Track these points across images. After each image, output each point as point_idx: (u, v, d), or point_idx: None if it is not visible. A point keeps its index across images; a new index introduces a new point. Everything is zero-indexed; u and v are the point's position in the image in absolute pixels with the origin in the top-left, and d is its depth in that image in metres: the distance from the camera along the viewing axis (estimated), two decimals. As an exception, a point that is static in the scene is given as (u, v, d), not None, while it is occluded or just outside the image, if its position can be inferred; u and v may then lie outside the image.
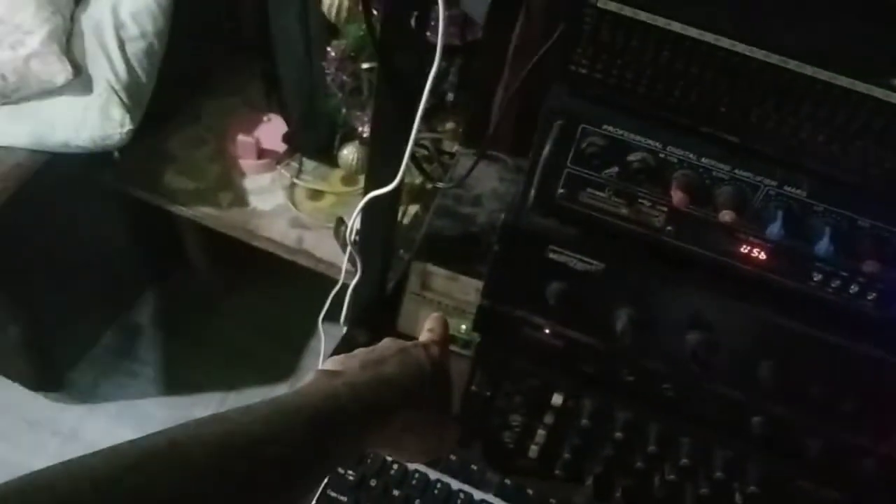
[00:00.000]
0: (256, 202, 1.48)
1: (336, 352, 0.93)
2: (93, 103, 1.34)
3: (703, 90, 0.52)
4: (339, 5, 1.22)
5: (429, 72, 0.66)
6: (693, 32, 0.49)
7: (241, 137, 1.50)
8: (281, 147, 1.53)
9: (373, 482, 0.77)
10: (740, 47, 0.49)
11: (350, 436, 0.50)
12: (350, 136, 1.45)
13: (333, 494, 0.76)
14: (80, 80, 1.34)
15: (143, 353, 1.78)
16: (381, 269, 0.95)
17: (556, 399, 0.73)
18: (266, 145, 1.53)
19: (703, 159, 0.54)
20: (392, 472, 0.78)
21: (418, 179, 1.35)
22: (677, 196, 0.55)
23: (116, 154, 1.45)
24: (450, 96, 1.36)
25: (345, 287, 0.94)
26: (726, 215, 0.54)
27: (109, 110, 1.34)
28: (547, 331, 0.68)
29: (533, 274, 0.65)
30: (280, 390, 1.70)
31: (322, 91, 1.42)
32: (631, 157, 0.56)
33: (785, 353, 0.61)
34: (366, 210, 0.83)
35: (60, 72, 1.31)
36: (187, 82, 1.64)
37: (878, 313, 0.57)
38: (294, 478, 0.46)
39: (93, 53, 1.36)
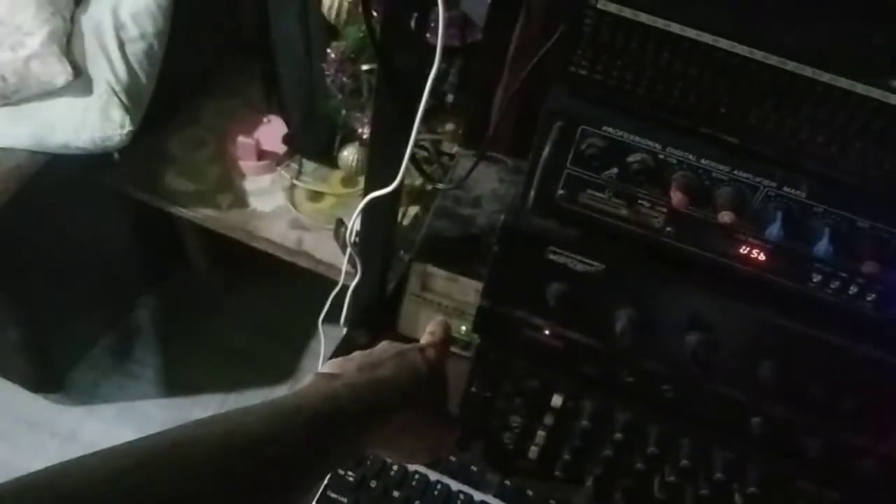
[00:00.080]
0: (256, 203, 1.49)
1: (336, 353, 0.94)
2: (93, 104, 1.34)
3: (703, 91, 0.52)
4: (339, 7, 1.22)
5: (428, 73, 0.66)
6: (692, 33, 0.49)
7: (241, 139, 1.50)
8: (281, 148, 1.53)
9: (373, 483, 0.77)
10: (739, 48, 0.49)
11: (349, 436, 0.51)
12: (350, 137, 1.45)
13: (333, 495, 0.76)
14: (81, 81, 1.35)
15: (143, 354, 1.78)
16: (380, 270, 0.95)
17: (556, 400, 0.73)
18: (266, 147, 1.53)
19: (702, 160, 0.54)
20: (392, 473, 0.78)
21: (418, 181, 1.35)
22: (677, 197, 0.55)
23: (116, 155, 1.45)
24: (449, 97, 1.36)
25: (345, 288, 0.94)
26: (726, 216, 0.54)
27: (109, 111, 1.35)
28: (547, 332, 0.68)
29: (533, 275, 0.65)
30: (280, 391, 1.70)
31: (322, 92, 1.42)
32: (630, 159, 0.56)
33: (784, 353, 0.61)
34: (366, 211, 0.83)
35: (60, 73, 1.31)
36: (187, 84, 1.65)
37: (878, 314, 0.57)
38: (294, 478, 0.46)
39: (93, 54, 1.36)
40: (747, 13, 0.48)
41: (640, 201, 0.58)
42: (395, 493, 0.76)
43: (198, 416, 0.44)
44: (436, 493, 0.77)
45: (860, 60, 0.47)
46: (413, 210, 1.38)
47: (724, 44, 0.49)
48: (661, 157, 0.55)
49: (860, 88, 0.48)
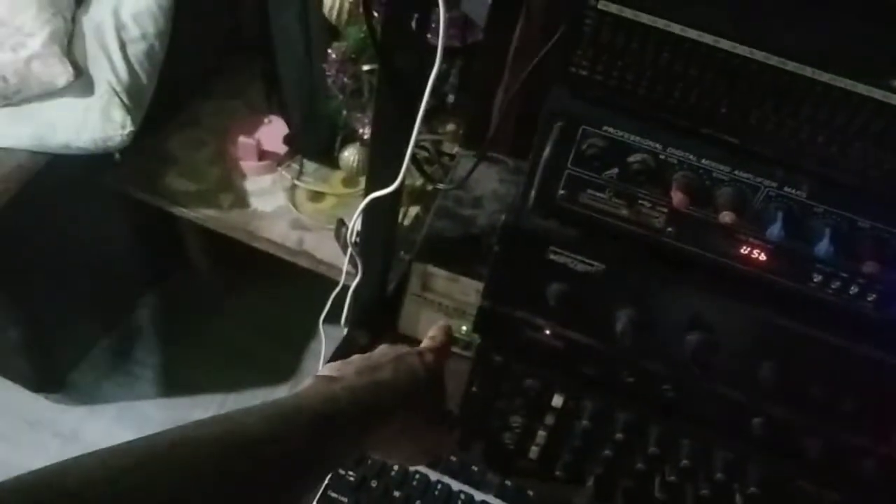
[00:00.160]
0: (257, 204, 1.49)
1: (337, 353, 0.94)
2: (94, 105, 1.34)
3: (703, 92, 0.52)
4: (340, 7, 1.22)
5: (429, 73, 0.66)
6: (693, 34, 0.49)
7: (241, 139, 1.50)
8: (282, 149, 1.54)
9: (373, 483, 0.77)
10: (740, 49, 0.49)
11: (349, 438, 0.51)
12: (351, 137, 1.45)
13: (334, 495, 0.76)
14: (81, 81, 1.35)
15: (144, 354, 1.78)
16: (381, 270, 0.95)
17: (557, 400, 0.73)
18: (267, 147, 1.53)
19: (703, 160, 0.54)
20: (393, 473, 0.78)
21: (419, 181, 1.35)
22: (677, 197, 0.55)
23: (117, 155, 1.45)
24: (450, 98, 1.36)
25: (345, 288, 0.94)
26: (726, 216, 0.54)
27: (110, 112, 1.35)
28: (547, 332, 0.68)
29: (533, 275, 0.65)
30: (280, 391, 1.70)
31: (323, 93, 1.42)
32: (631, 159, 0.56)
33: (785, 354, 0.61)
34: (366, 211, 0.83)
35: (61, 73, 1.32)
36: (188, 84, 1.65)
37: (878, 314, 0.57)
38: (293, 479, 0.46)
39: (94, 55, 1.36)
40: (748, 13, 0.48)
41: (640, 201, 0.58)
42: (396, 493, 0.76)
43: (198, 416, 0.44)
44: (436, 492, 0.77)
45: (860, 60, 0.47)
46: (414, 210, 1.38)
47: (724, 44, 0.49)
48: (661, 157, 0.55)
49: (860, 89, 0.48)
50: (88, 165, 1.41)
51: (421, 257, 0.92)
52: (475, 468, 0.80)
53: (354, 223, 0.87)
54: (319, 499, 0.76)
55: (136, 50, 1.38)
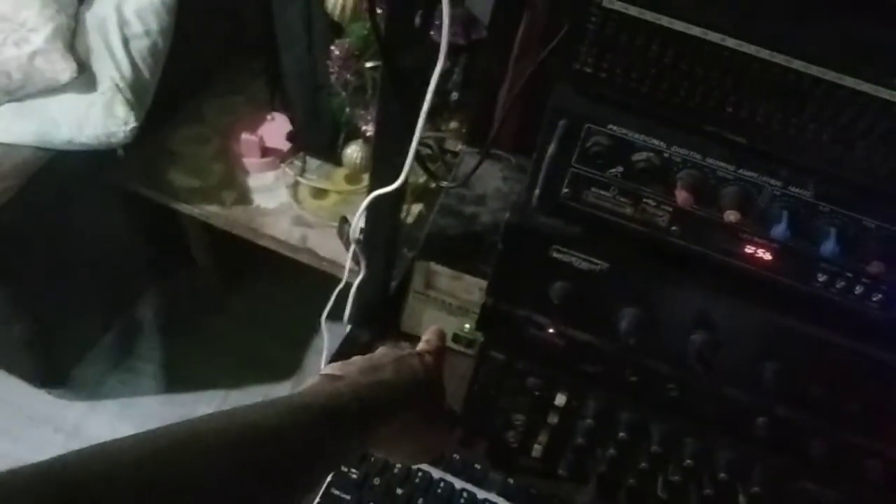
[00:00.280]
0: (260, 200, 1.48)
1: (339, 350, 0.94)
2: (97, 101, 1.34)
3: (708, 90, 0.51)
4: (344, 4, 1.22)
5: (433, 71, 0.66)
6: (698, 32, 0.49)
7: (244, 136, 1.50)
8: (285, 145, 1.53)
9: (376, 480, 0.77)
10: (746, 47, 0.49)
11: (353, 435, 0.51)
12: (354, 134, 1.45)
13: (337, 493, 0.76)
14: (85, 77, 1.35)
15: (147, 350, 1.78)
16: (384, 267, 0.95)
17: (560, 399, 0.73)
18: (270, 144, 1.53)
19: (707, 159, 0.54)
20: (395, 470, 0.78)
21: (422, 178, 1.35)
22: (682, 196, 0.55)
23: (120, 152, 1.45)
24: (454, 95, 1.36)
25: (348, 286, 0.94)
26: (731, 215, 0.54)
27: (114, 108, 1.35)
28: (551, 330, 0.68)
29: (537, 273, 0.65)
30: (282, 388, 1.70)
31: (326, 90, 1.42)
32: (635, 157, 0.56)
33: (789, 353, 0.61)
34: (369, 209, 0.83)
35: (65, 69, 1.31)
36: (191, 80, 1.65)
37: (883, 314, 0.57)
38: (297, 474, 0.47)
39: (97, 51, 1.36)
40: (753, 11, 0.48)
41: (645, 200, 0.58)
42: (399, 491, 0.76)
43: (200, 412, 0.44)
44: (439, 490, 0.77)
45: (866, 59, 0.47)
46: (417, 208, 1.38)
47: (729, 42, 0.49)
48: (666, 155, 0.55)
49: (866, 87, 0.47)
50: (91, 161, 1.41)
51: (424, 255, 0.92)
52: (478, 466, 0.80)
53: (357, 220, 0.86)
54: (322, 496, 0.76)
55: (140, 46, 1.38)
